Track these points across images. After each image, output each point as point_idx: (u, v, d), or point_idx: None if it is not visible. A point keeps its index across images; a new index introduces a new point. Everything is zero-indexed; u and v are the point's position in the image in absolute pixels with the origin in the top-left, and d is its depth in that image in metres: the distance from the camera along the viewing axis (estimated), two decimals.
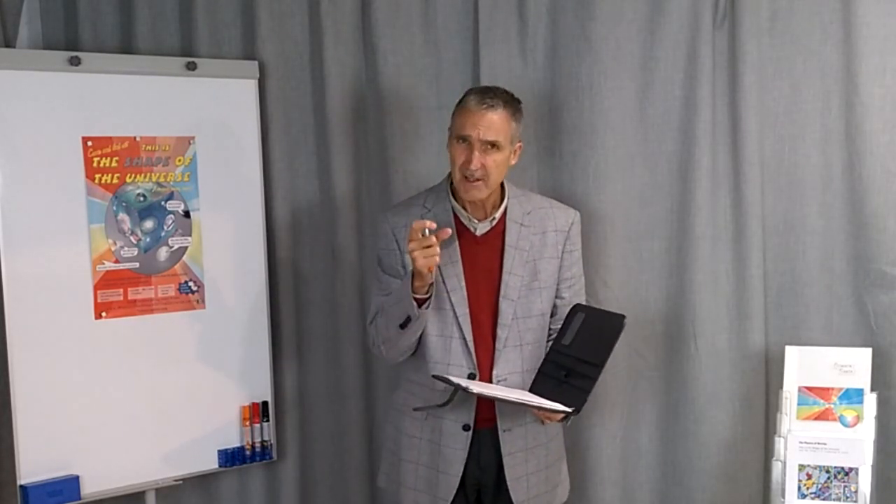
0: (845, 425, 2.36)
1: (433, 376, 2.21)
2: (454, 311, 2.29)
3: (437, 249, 2.10)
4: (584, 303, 2.42)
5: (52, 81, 2.60)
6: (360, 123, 2.95)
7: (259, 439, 2.92)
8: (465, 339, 2.29)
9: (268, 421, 2.93)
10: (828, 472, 2.33)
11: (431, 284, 2.17)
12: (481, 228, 2.33)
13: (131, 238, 2.72)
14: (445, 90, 2.81)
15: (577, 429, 2.73)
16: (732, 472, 2.65)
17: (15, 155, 2.55)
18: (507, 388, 2.26)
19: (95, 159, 2.66)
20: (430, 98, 2.86)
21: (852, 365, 2.40)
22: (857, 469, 2.31)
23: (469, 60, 2.83)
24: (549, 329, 2.38)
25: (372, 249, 2.67)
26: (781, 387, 2.43)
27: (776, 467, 2.38)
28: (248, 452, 2.91)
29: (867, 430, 2.34)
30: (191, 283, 2.81)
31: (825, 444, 2.34)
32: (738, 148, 2.60)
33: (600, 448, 2.76)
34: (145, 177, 2.74)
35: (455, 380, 2.12)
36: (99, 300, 2.67)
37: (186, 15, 2.92)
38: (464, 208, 2.32)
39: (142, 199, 2.74)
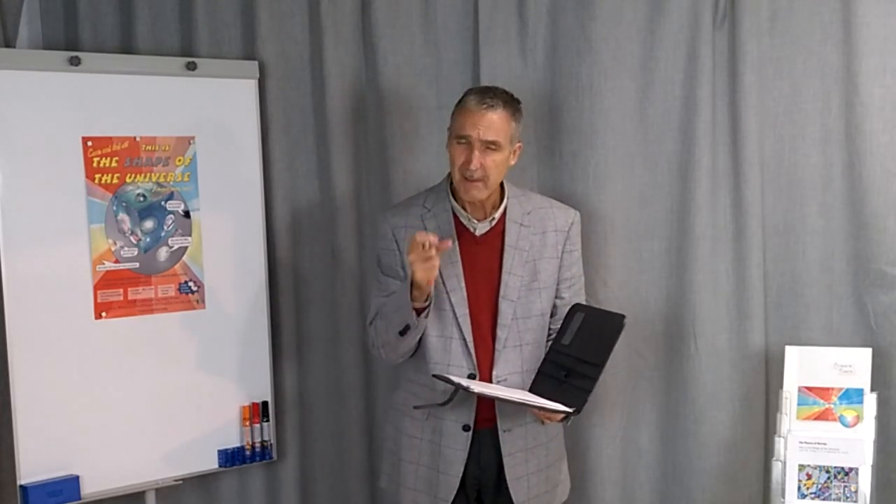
0: (845, 425, 2.36)
1: (433, 375, 2.21)
2: (454, 311, 2.29)
3: (437, 262, 2.11)
4: (583, 302, 2.42)
5: (52, 81, 2.60)
6: (360, 123, 2.95)
7: (259, 439, 2.92)
8: (464, 339, 2.29)
9: (268, 421, 2.93)
10: (828, 472, 2.33)
11: (430, 294, 2.18)
12: (481, 228, 2.33)
13: (131, 238, 2.72)
14: (445, 90, 2.81)
15: (577, 429, 2.73)
16: (732, 472, 2.65)
17: (15, 155, 2.55)
18: (508, 388, 2.26)
19: (95, 159, 2.66)
20: (430, 98, 2.86)
21: (852, 365, 2.40)
22: (857, 469, 2.31)
23: (469, 60, 2.83)
24: (549, 329, 2.38)
25: (372, 249, 2.67)
26: (781, 387, 2.43)
27: (776, 467, 2.38)
28: (248, 452, 2.91)
29: (867, 430, 2.34)
30: (191, 283, 2.81)
31: (825, 444, 2.34)
32: (738, 148, 2.60)
33: (600, 448, 2.76)
34: (145, 177, 2.74)
35: (456, 379, 2.12)
36: (99, 300, 2.67)
37: (186, 15, 2.92)
38: (463, 208, 2.32)
39: (142, 199, 2.74)
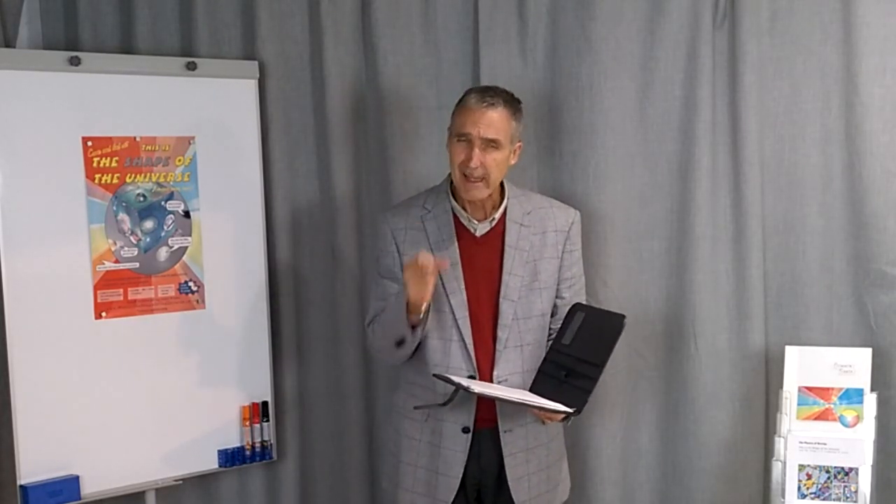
0: (845, 425, 2.36)
1: (434, 375, 2.21)
2: (453, 314, 2.28)
3: (433, 283, 2.11)
4: (584, 302, 2.42)
5: (52, 81, 2.60)
6: (360, 123, 2.95)
7: (259, 439, 2.91)
8: (464, 341, 2.28)
9: (268, 421, 2.93)
10: (828, 472, 2.33)
11: (427, 310, 2.18)
12: (481, 229, 2.33)
13: (131, 238, 2.72)
14: (445, 90, 2.81)
15: (577, 429, 2.73)
16: (732, 472, 2.65)
17: (15, 155, 2.55)
18: (508, 388, 2.26)
19: (95, 159, 2.66)
20: (430, 98, 2.86)
21: (852, 365, 2.40)
22: (857, 469, 2.31)
23: (469, 60, 2.83)
24: (550, 329, 2.38)
25: (372, 249, 2.67)
26: (781, 387, 2.43)
27: (776, 467, 2.38)
28: (247, 452, 2.90)
29: (867, 430, 2.34)
30: (191, 283, 2.81)
31: (825, 444, 2.34)
32: (738, 148, 2.60)
33: (600, 448, 2.76)
34: (145, 177, 2.74)
35: (456, 379, 2.12)
36: (99, 300, 2.67)
37: (186, 15, 2.92)
38: (463, 209, 2.32)
39: (142, 199, 2.74)
